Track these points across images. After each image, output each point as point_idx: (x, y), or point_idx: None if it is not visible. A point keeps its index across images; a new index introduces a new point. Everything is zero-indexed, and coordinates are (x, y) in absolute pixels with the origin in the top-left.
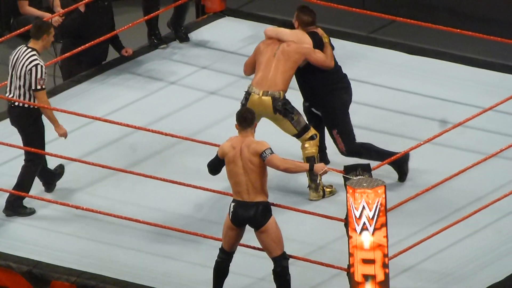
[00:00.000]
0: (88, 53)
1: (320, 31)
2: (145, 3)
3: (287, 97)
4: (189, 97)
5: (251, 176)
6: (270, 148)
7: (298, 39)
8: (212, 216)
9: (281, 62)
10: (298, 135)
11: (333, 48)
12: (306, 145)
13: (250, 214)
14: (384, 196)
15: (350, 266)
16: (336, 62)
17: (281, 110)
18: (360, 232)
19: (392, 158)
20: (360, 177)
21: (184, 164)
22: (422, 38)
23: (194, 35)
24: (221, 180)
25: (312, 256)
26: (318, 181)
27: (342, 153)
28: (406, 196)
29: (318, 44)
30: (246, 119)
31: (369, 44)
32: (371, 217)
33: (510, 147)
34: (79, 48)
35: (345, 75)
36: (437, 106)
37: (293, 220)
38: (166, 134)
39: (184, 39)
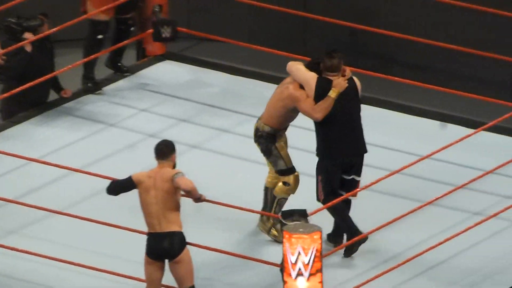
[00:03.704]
0: (30, 94)
1: (337, 80)
2: (86, 44)
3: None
4: (128, 139)
5: (162, 206)
6: (182, 173)
7: (304, 82)
8: (138, 256)
9: (274, 99)
10: (277, 173)
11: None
12: (279, 185)
13: (165, 245)
14: (320, 241)
15: None
16: (333, 118)
17: (257, 142)
18: (296, 278)
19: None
20: (297, 222)
21: (122, 206)
22: (362, 85)
23: (135, 78)
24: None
25: None
26: (271, 220)
27: (318, 200)
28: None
29: (321, 95)
30: (160, 151)
31: None
32: (306, 262)
33: (445, 195)
34: (19, 88)
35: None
36: (378, 153)
37: (227, 264)
38: (104, 177)
39: (126, 71)
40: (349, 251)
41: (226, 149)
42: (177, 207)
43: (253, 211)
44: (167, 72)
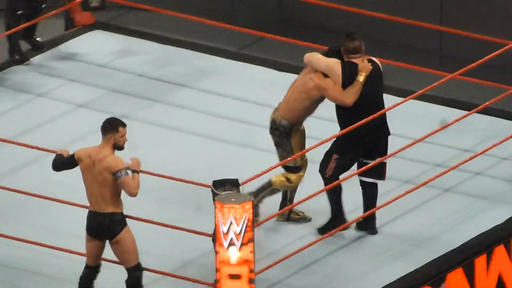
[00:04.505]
0: None
1: (363, 63)
2: (7, 20)
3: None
4: (57, 109)
5: (102, 188)
6: (126, 169)
7: (329, 70)
8: (78, 230)
9: (295, 91)
10: (283, 167)
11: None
12: (282, 179)
13: (103, 225)
14: (251, 211)
15: (216, 281)
16: (359, 102)
17: (272, 134)
18: (227, 247)
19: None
20: (229, 192)
21: (50, 178)
22: (291, 55)
23: (63, 48)
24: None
25: (179, 271)
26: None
27: (322, 174)
28: (276, 211)
29: (348, 79)
30: (103, 127)
31: (239, 60)
32: (238, 232)
33: (375, 164)
34: None
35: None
36: (313, 123)
37: (160, 234)
38: (32, 147)
39: (39, 46)
40: (322, 230)
41: (157, 119)
42: (117, 189)
43: (184, 181)
44: (96, 41)
